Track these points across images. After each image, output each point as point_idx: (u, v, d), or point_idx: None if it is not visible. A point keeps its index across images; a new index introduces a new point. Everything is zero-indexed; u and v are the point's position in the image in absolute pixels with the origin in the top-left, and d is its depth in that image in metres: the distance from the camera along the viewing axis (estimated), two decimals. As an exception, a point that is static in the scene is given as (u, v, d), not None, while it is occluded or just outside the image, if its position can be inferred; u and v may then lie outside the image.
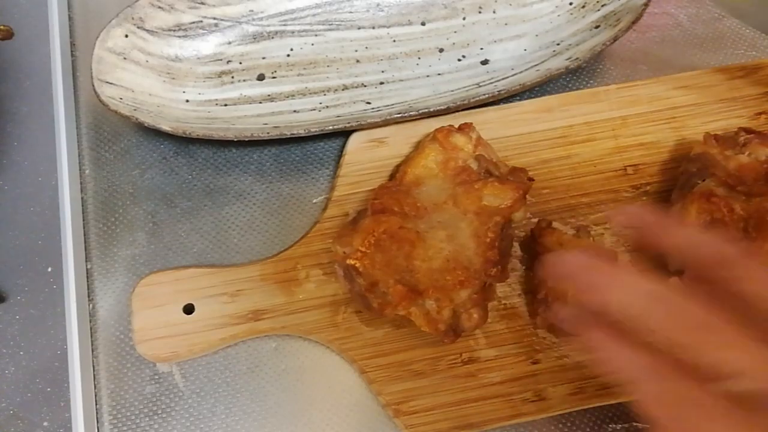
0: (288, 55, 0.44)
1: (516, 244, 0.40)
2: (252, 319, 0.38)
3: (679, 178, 0.39)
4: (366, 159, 0.41)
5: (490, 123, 0.42)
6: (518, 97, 0.43)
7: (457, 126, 0.39)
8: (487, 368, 0.38)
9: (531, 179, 0.38)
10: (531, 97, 0.43)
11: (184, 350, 0.38)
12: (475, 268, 0.34)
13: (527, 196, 0.37)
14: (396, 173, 0.40)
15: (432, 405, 0.37)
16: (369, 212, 0.35)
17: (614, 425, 0.38)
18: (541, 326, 0.38)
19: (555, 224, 0.39)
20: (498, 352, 0.38)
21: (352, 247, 0.34)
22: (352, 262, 0.34)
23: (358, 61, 0.44)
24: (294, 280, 0.39)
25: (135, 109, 0.40)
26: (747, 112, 0.42)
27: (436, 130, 0.38)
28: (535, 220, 0.40)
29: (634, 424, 0.38)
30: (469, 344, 0.38)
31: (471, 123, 0.39)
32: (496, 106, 0.42)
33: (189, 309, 0.38)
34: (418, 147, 0.40)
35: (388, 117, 0.40)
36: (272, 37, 0.45)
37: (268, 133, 0.39)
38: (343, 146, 0.42)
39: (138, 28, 0.42)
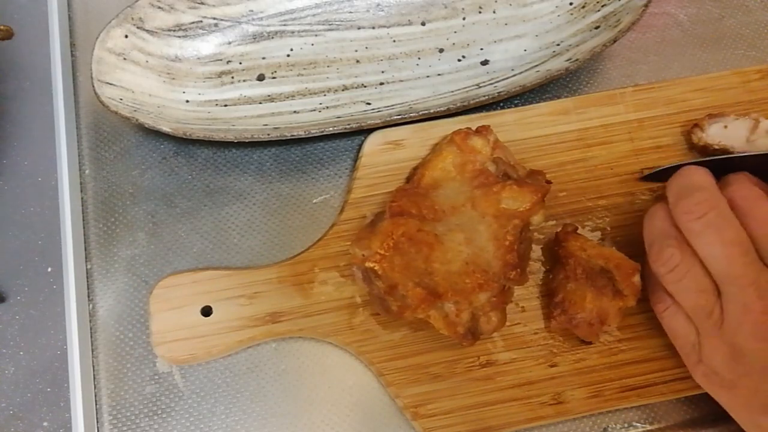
0: (288, 55, 0.44)
1: (534, 247, 0.40)
2: (270, 321, 0.38)
3: None
4: (383, 161, 0.41)
5: (507, 125, 0.41)
6: (535, 100, 0.43)
7: (474, 128, 0.39)
8: (505, 371, 0.38)
9: (549, 182, 0.38)
10: (533, 100, 0.43)
11: (202, 352, 0.38)
12: (494, 271, 0.34)
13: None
14: (413, 176, 0.40)
15: (450, 408, 0.37)
16: (387, 215, 0.35)
17: (613, 425, 0.38)
18: (555, 330, 0.38)
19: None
20: (516, 355, 0.38)
21: (371, 250, 0.34)
22: (371, 264, 0.34)
23: (358, 61, 0.44)
24: (311, 282, 0.39)
25: (135, 110, 0.40)
26: (763, 115, 0.41)
27: (454, 132, 0.38)
28: (552, 223, 0.40)
29: (634, 423, 0.38)
30: (487, 347, 0.38)
31: (489, 126, 0.38)
32: (512, 108, 0.42)
33: (207, 311, 0.38)
34: (435, 149, 0.39)
35: (388, 118, 0.40)
36: (272, 37, 0.45)
37: (268, 134, 0.39)
38: (343, 146, 0.42)
39: (138, 28, 0.42)
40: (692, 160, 0.39)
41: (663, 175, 0.40)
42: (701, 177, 0.32)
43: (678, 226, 0.32)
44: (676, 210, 0.32)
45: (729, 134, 0.39)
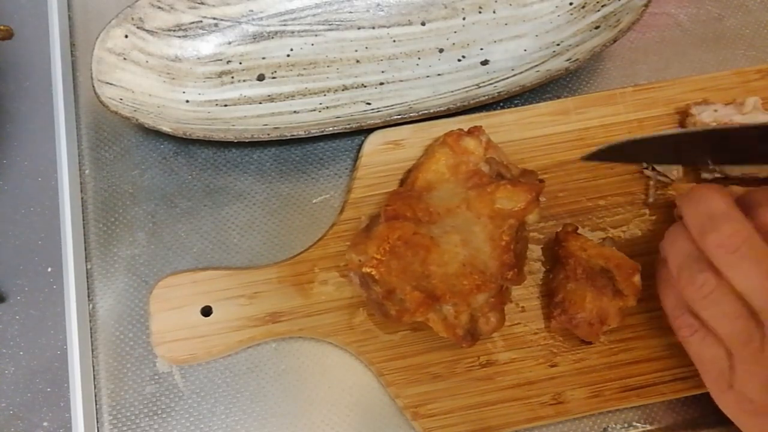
0: (288, 55, 0.44)
1: (534, 247, 0.40)
2: (270, 321, 0.38)
3: None
4: (383, 161, 0.41)
5: (507, 125, 0.42)
6: (535, 100, 0.43)
7: (466, 129, 0.39)
8: (505, 371, 0.38)
9: (542, 181, 0.38)
10: (533, 100, 0.43)
11: (203, 352, 0.38)
12: (491, 272, 0.34)
13: (540, 197, 0.37)
14: (407, 178, 0.40)
15: (450, 408, 0.37)
16: (382, 219, 0.35)
17: (613, 425, 0.38)
18: (555, 330, 0.38)
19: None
20: (516, 355, 0.38)
21: (367, 255, 0.34)
22: (368, 270, 0.34)
23: (358, 61, 0.45)
24: (311, 282, 0.39)
25: (135, 110, 0.40)
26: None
27: (446, 134, 0.38)
28: (552, 223, 0.40)
29: (634, 423, 0.38)
30: (487, 347, 0.38)
31: (481, 126, 0.38)
32: (512, 108, 0.42)
33: (207, 311, 0.38)
34: (428, 152, 0.39)
35: (388, 118, 0.40)
36: (272, 37, 0.45)
37: (268, 134, 0.39)
38: (343, 146, 0.42)
39: (138, 28, 0.42)
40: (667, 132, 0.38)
41: (605, 153, 0.37)
42: (721, 203, 0.31)
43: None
44: (705, 243, 0.30)
45: (721, 114, 0.39)
